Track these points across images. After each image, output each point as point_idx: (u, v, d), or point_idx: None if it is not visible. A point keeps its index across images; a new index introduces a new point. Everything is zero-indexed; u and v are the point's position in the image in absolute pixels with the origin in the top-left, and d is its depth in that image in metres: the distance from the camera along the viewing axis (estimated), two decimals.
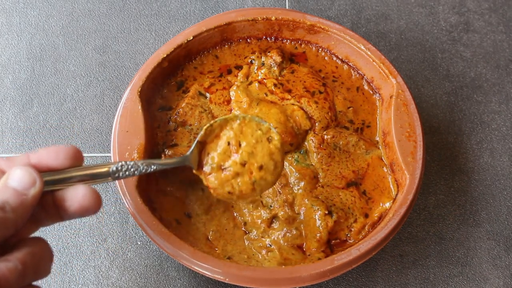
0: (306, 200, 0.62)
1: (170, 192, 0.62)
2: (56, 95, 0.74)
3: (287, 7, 0.81)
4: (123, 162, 0.48)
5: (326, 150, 0.64)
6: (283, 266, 0.58)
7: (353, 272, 0.66)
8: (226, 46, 0.70)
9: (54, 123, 0.72)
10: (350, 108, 0.68)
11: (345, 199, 0.62)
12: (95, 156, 0.71)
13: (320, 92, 0.67)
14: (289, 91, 0.67)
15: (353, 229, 0.61)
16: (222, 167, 0.54)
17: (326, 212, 0.60)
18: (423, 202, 0.70)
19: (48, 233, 0.66)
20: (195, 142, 0.54)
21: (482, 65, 0.78)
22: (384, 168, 0.65)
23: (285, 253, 0.60)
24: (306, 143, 0.65)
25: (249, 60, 0.69)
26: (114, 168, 0.48)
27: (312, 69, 0.70)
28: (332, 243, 0.61)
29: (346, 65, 0.70)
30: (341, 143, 0.65)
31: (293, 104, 0.65)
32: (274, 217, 0.62)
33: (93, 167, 0.46)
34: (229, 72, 0.69)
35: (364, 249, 0.57)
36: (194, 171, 0.55)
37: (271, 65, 0.68)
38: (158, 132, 0.65)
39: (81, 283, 0.64)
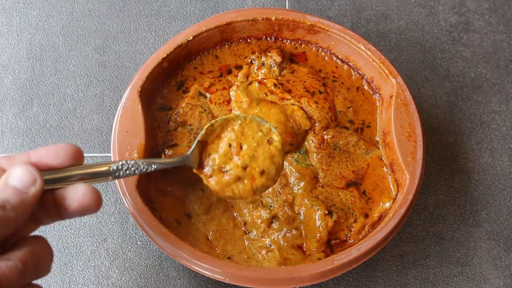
0: (306, 200, 0.62)
1: (170, 192, 0.62)
2: (56, 95, 0.74)
3: (287, 7, 0.81)
4: (124, 161, 0.48)
5: (326, 150, 0.64)
6: (283, 266, 0.58)
7: (353, 272, 0.66)
8: (226, 46, 0.70)
9: (54, 123, 0.72)
10: (350, 108, 0.68)
11: (345, 199, 0.62)
12: (95, 156, 0.71)
13: (320, 92, 0.67)
14: (289, 91, 0.67)
15: (353, 229, 0.61)
16: (223, 170, 0.54)
17: (326, 212, 0.60)
18: (423, 202, 0.70)
19: (48, 233, 0.66)
20: (196, 141, 0.54)
21: (482, 65, 0.78)
22: (384, 168, 0.65)
23: (285, 253, 0.60)
24: (306, 143, 0.65)
25: (249, 60, 0.69)
26: (115, 167, 0.48)
27: (312, 69, 0.70)
28: (332, 243, 0.61)
29: (346, 65, 0.70)
30: (341, 143, 0.65)
31: (293, 104, 0.65)
32: (274, 217, 0.62)
33: (93, 166, 0.46)
34: (229, 72, 0.69)
35: (364, 249, 0.57)
36: (194, 170, 0.55)
37: (271, 65, 0.68)
38: (158, 132, 0.65)
39: (81, 283, 0.64)
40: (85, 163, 0.47)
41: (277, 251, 0.60)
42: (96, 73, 0.75)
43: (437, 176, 0.71)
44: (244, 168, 0.54)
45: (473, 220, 0.69)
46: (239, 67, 0.69)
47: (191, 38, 0.66)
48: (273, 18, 0.68)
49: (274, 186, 0.62)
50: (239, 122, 0.55)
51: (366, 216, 0.62)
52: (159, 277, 0.65)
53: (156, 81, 0.66)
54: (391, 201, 0.62)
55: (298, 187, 0.63)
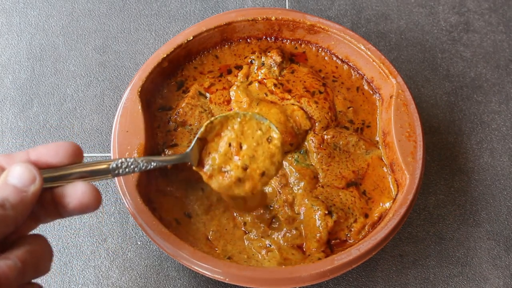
0: (306, 200, 0.62)
1: (170, 192, 0.62)
2: (56, 95, 0.74)
3: (287, 7, 0.81)
4: (123, 159, 0.48)
5: (326, 150, 0.64)
6: (283, 266, 0.58)
7: (353, 272, 0.66)
8: (226, 46, 0.70)
9: (54, 123, 0.72)
10: (350, 108, 0.68)
11: (345, 199, 0.62)
12: (95, 156, 0.71)
13: (320, 92, 0.67)
14: (289, 91, 0.67)
15: (353, 229, 0.61)
16: (223, 170, 0.54)
17: (326, 212, 0.60)
18: (423, 202, 0.70)
19: (48, 232, 0.66)
20: (195, 138, 0.54)
21: (482, 65, 0.78)
22: (384, 168, 0.65)
23: (285, 253, 0.60)
24: (306, 143, 0.65)
25: (249, 60, 0.69)
26: (114, 165, 0.48)
27: (312, 69, 0.70)
28: (332, 243, 0.61)
29: (346, 65, 0.70)
30: (341, 143, 0.65)
31: (293, 104, 0.65)
32: (274, 217, 0.62)
33: (93, 164, 0.46)
34: (229, 72, 0.69)
35: (364, 249, 0.57)
36: (194, 168, 0.55)
37: (271, 65, 0.68)
38: (158, 132, 0.65)
39: (81, 283, 0.64)
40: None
41: (277, 251, 0.60)
42: (96, 73, 0.75)
43: (437, 176, 0.71)
44: (245, 169, 0.54)
45: (473, 220, 0.69)
46: (239, 67, 0.69)
47: (191, 38, 0.66)
48: (273, 18, 0.68)
49: (274, 186, 0.62)
50: (238, 119, 0.55)
51: (366, 216, 0.62)
52: (159, 277, 0.64)
53: (156, 81, 0.66)
54: (391, 201, 0.62)
55: (298, 187, 0.63)
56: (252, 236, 0.61)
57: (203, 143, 0.55)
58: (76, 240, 0.66)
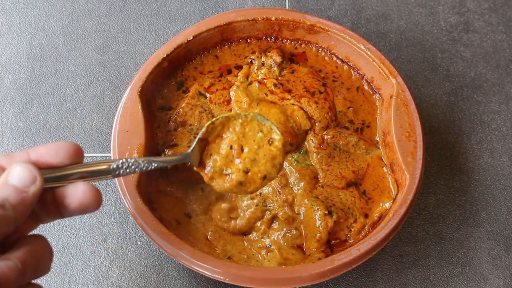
0: (306, 200, 0.62)
1: (170, 192, 0.62)
2: (56, 95, 0.74)
3: (287, 7, 0.81)
4: (124, 159, 0.48)
5: (326, 150, 0.64)
6: (283, 266, 0.58)
7: (353, 272, 0.66)
8: (226, 46, 0.70)
9: (54, 123, 0.72)
10: (350, 108, 0.68)
11: (345, 199, 0.62)
12: (95, 156, 0.71)
13: (320, 92, 0.67)
14: (289, 91, 0.67)
15: (353, 229, 0.61)
16: (224, 172, 0.54)
17: (326, 212, 0.60)
18: (423, 202, 0.70)
19: (48, 233, 0.66)
20: (196, 139, 0.54)
21: (482, 65, 0.78)
22: (384, 168, 0.65)
23: (285, 253, 0.60)
24: (306, 143, 0.65)
25: (249, 60, 0.69)
26: (115, 166, 0.47)
27: (312, 69, 0.70)
28: (332, 243, 0.61)
29: (346, 65, 0.70)
30: (341, 143, 0.65)
31: (293, 104, 0.65)
32: (274, 217, 0.62)
33: (93, 164, 0.46)
34: (229, 72, 0.69)
35: (364, 249, 0.57)
36: (195, 168, 0.55)
37: (271, 65, 0.68)
38: (158, 132, 0.65)
39: (81, 283, 0.64)
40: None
41: (277, 251, 0.60)
42: (96, 73, 0.75)
43: (437, 176, 0.71)
44: (246, 172, 0.54)
45: (473, 220, 0.69)
46: (239, 67, 0.69)
47: (191, 38, 0.66)
48: (273, 18, 0.68)
49: (274, 186, 0.62)
50: (240, 121, 0.54)
51: (366, 216, 0.62)
52: (159, 277, 0.64)
53: (156, 81, 0.66)
54: (391, 201, 0.62)
55: (298, 187, 0.62)
56: (252, 237, 0.61)
57: (204, 144, 0.55)
58: (76, 240, 0.66)
